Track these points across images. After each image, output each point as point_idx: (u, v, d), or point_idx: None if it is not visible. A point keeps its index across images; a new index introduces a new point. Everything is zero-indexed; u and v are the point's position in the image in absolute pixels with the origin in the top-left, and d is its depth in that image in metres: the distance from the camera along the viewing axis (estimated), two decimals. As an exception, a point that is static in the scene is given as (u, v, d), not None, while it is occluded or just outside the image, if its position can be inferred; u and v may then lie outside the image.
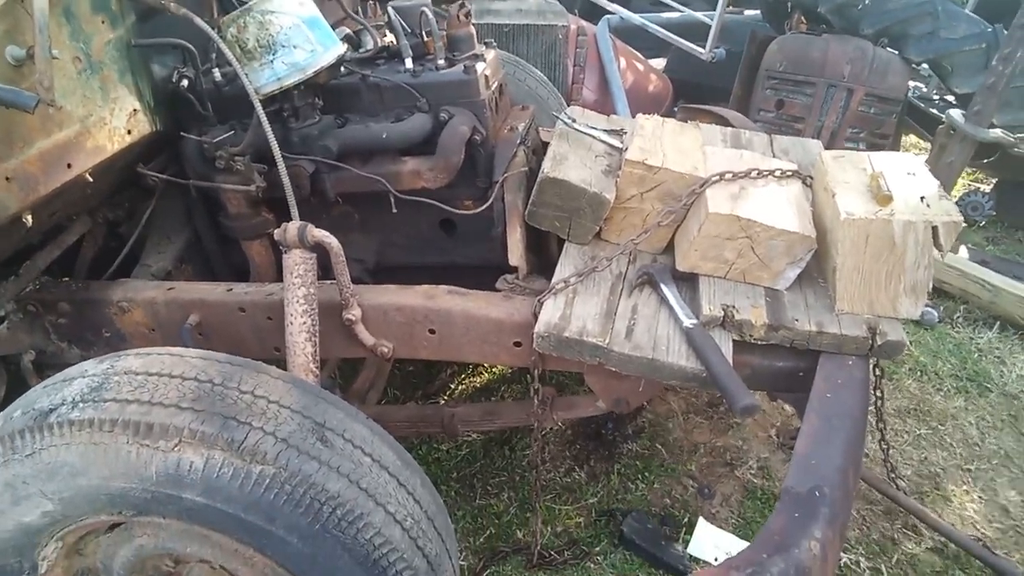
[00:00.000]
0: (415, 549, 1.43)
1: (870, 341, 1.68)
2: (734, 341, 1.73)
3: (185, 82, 1.97)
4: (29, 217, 1.61)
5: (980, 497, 2.58)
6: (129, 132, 1.85)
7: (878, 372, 1.88)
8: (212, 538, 1.41)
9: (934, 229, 1.59)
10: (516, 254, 2.02)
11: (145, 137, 1.91)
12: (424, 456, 2.68)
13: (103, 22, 1.75)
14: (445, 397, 2.99)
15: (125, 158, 1.89)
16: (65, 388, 1.37)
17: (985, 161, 4.10)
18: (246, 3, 2.07)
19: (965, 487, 2.62)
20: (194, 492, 1.29)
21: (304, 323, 1.75)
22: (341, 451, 1.39)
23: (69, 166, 1.67)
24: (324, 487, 1.32)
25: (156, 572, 1.57)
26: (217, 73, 2.04)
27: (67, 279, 2.12)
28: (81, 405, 1.32)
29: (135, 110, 1.87)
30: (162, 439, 1.28)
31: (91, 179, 1.74)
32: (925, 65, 3.93)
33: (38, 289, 2.01)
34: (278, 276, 2.17)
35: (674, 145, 1.97)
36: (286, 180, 1.81)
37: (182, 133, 1.98)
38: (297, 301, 1.74)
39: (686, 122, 2.32)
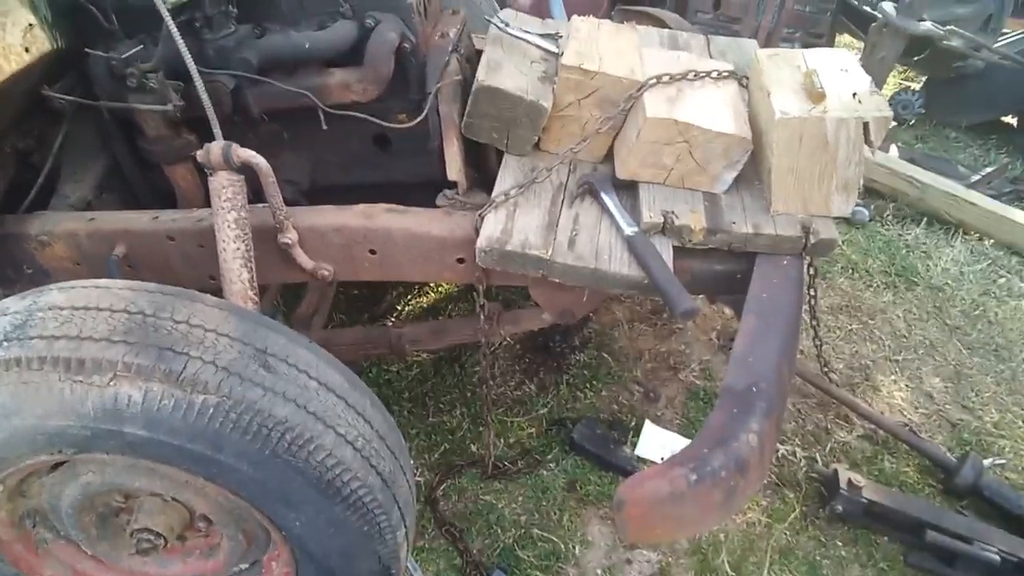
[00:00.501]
0: (368, 467, 1.44)
1: (804, 240, 1.73)
2: (674, 247, 1.75)
3: (85, -7, 1.81)
4: (-77, 146, 1.48)
5: (907, 385, 2.74)
6: (27, 50, 1.69)
7: (812, 271, 1.94)
8: (160, 471, 1.39)
9: (865, 125, 1.61)
10: (454, 168, 1.97)
11: (45, 55, 1.76)
12: (375, 378, 2.68)
13: (-16, -77, 1.58)
14: (392, 319, 2.98)
15: (26, 79, 1.74)
16: (-14, 328, 1.30)
17: (915, 59, 4.16)
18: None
19: (893, 377, 2.77)
20: (136, 426, 1.26)
21: (238, 249, 1.68)
22: (285, 376, 1.37)
23: (-39, 89, 1.53)
24: (271, 413, 1.31)
25: (106, 508, 1.56)
26: (119, -19, 1.87)
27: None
28: (5, 344, 1.26)
29: (30, 24, 1.71)
30: (96, 374, 1.24)
31: (-11, 103, 1.61)
32: (860, -39, 3.90)
33: (-53, 225, 1.89)
34: (207, 201, 2.08)
35: (611, 48, 1.93)
36: (205, 96, 1.69)
37: (87, 50, 1.83)
38: (228, 226, 1.67)
39: (623, 24, 2.27)
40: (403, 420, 2.54)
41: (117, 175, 2.19)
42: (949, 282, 3.24)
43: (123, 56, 1.78)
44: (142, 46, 1.83)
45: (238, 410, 1.29)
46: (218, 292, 1.69)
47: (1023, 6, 5.25)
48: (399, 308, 3.04)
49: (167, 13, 1.63)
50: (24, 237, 1.88)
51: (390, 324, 2.92)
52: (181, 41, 1.62)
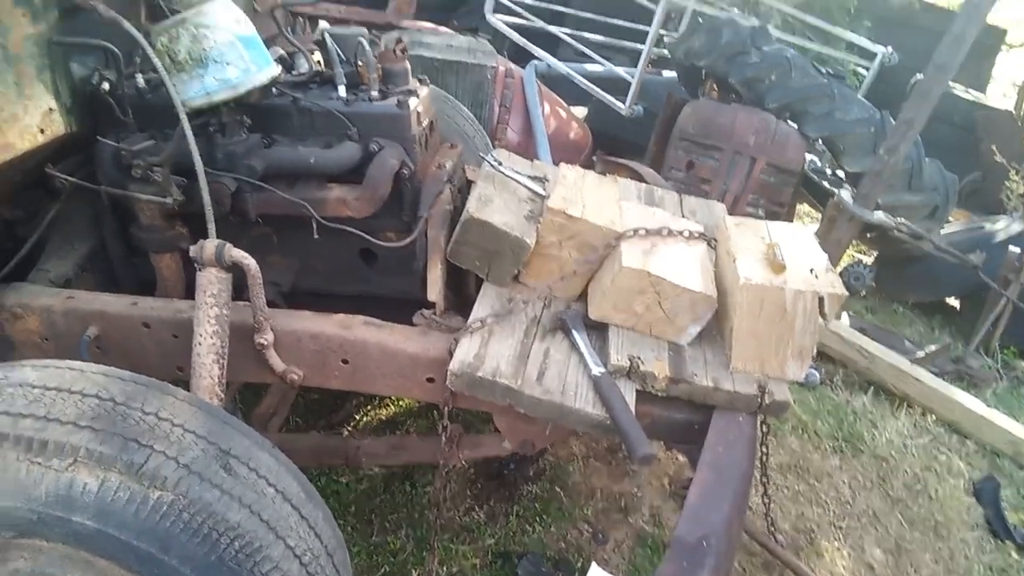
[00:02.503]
0: (313, 585, 1.40)
1: (760, 399, 1.81)
2: (637, 391, 1.81)
3: (106, 85, 1.91)
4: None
5: (849, 554, 2.76)
6: (42, 131, 1.77)
7: (765, 428, 2.01)
8: (97, 565, 1.33)
9: (820, 299, 1.74)
10: (435, 290, 2.05)
11: (59, 138, 1.83)
12: (323, 487, 2.62)
13: (24, 16, 1.69)
14: (349, 428, 2.95)
15: (35, 157, 1.81)
16: (-50, 398, 1.29)
17: (868, 236, 4.48)
18: (177, 11, 2.05)
19: (836, 543, 2.80)
20: (85, 515, 1.23)
21: (213, 344, 1.70)
22: (245, 480, 1.36)
23: (-27, 162, 1.58)
24: (224, 517, 1.29)
25: (26, 600, 1.48)
26: (140, 79, 1.99)
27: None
28: (-32, 417, 1.24)
29: (51, 109, 1.79)
30: (56, 457, 1.22)
31: (-3, 177, 1.66)
32: (820, 142, 4.27)
33: (-81, 288, 1.88)
34: (186, 292, 2.11)
35: (593, 197, 2.07)
36: (206, 196, 1.76)
37: (99, 137, 1.91)
38: (208, 321, 1.69)
39: (605, 174, 2.44)
40: (347, 536, 2.45)
41: (100, 257, 2.22)
42: (893, 453, 3.34)
43: (134, 148, 1.86)
44: (152, 140, 1.92)
45: (192, 510, 1.27)
46: (183, 384, 1.69)
47: (967, 199, 5.76)
48: (357, 418, 3.02)
49: (185, 116, 1.73)
50: (-3, 306, 1.88)
51: (347, 434, 2.89)
52: (194, 143, 1.71)
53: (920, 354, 4.02)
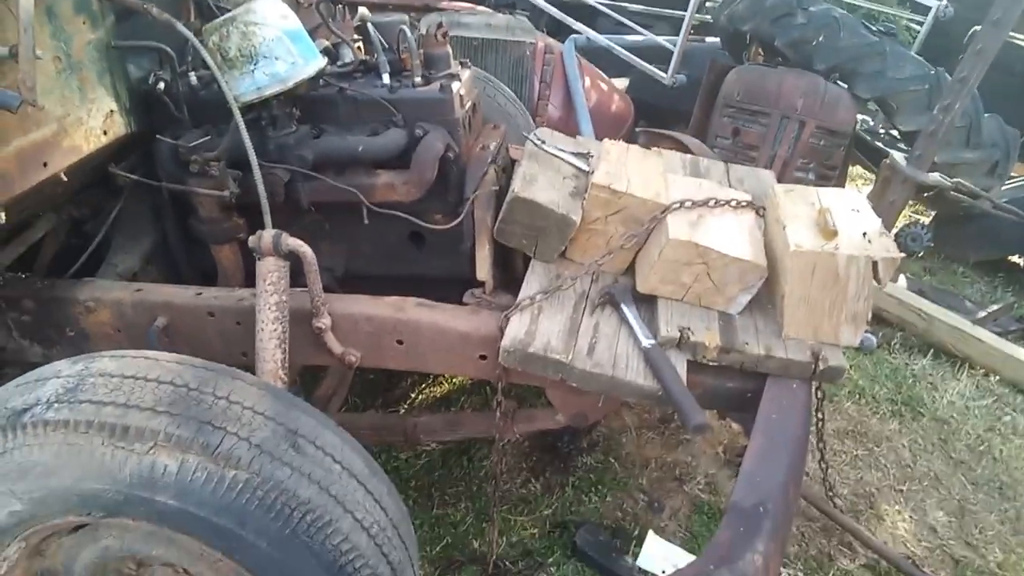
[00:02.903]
0: (380, 556, 1.47)
1: (813, 366, 1.80)
2: (688, 361, 1.82)
3: (162, 85, 1.98)
4: (3, 214, 1.60)
5: (911, 517, 2.73)
6: (105, 133, 1.85)
7: (820, 395, 2.00)
8: (179, 541, 1.42)
9: (874, 264, 1.72)
10: (484, 269, 2.08)
11: (120, 138, 1.92)
12: (383, 464, 2.69)
13: (84, 23, 1.76)
14: (405, 405, 3.03)
15: (99, 158, 1.90)
16: (39, 388, 1.38)
17: (925, 195, 4.34)
18: (225, 9, 2.10)
19: (897, 507, 2.77)
20: (167, 495, 1.31)
21: (275, 330, 1.77)
22: (312, 458, 1.43)
23: (45, 165, 1.67)
24: (295, 493, 1.36)
25: (117, 575, 1.58)
26: (193, 77, 2.06)
27: (29, 275, 2.10)
28: (56, 406, 1.33)
29: (112, 111, 1.88)
30: (137, 442, 1.30)
31: (65, 178, 1.75)
32: (872, 102, 4.14)
33: (2, 285, 1.99)
34: (245, 280, 2.19)
35: (638, 171, 2.07)
36: (261, 187, 1.83)
37: (157, 135, 1.99)
38: (269, 308, 1.77)
39: (648, 147, 2.43)
40: (409, 510, 2.53)
41: (163, 249, 2.32)
42: (954, 415, 3.27)
43: (190, 144, 1.93)
44: (207, 136, 1.99)
45: (265, 488, 1.34)
46: (248, 368, 1.77)
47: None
48: (412, 396, 3.10)
49: (238, 111, 1.79)
50: (72, 301, 1.98)
51: (404, 411, 2.98)
52: (247, 137, 1.77)
53: (981, 314, 3.90)
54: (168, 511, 1.33)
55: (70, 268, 2.14)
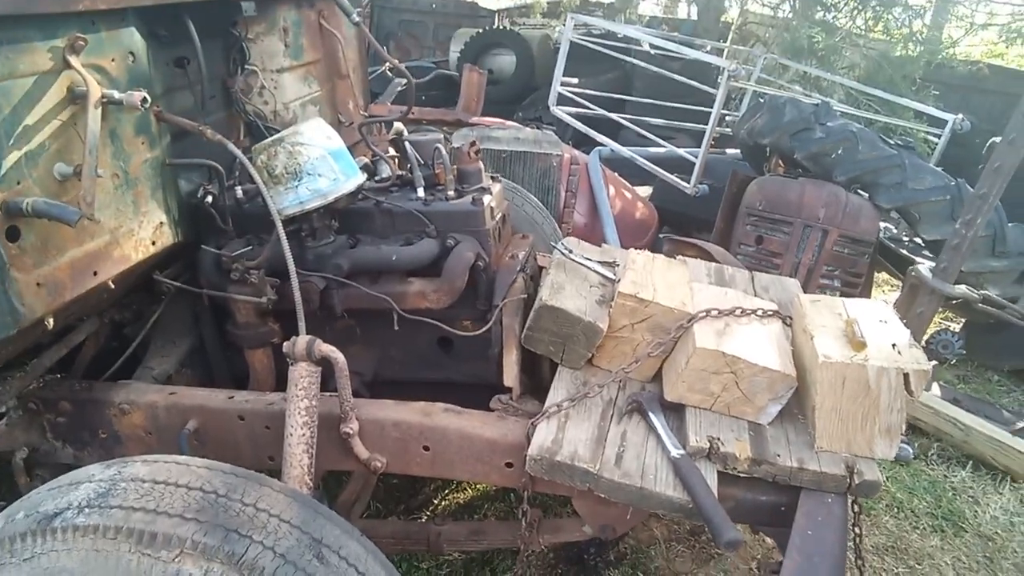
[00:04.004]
0: (402, 673, 1.42)
1: (848, 480, 1.76)
2: (719, 473, 1.79)
3: (210, 198, 2.10)
4: (51, 320, 1.67)
5: (959, 641, 2.57)
6: (154, 243, 1.95)
7: (856, 508, 1.94)
8: (199, 653, 1.40)
9: (905, 376, 1.71)
10: (511, 375, 2.10)
11: (167, 248, 2.02)
12: (405, 573, 2.64)
13: (143, 143, 1.89)
14: (428, 512, 2.98)
15: (146, 266, 1.99)
16: (72, 492, 1.40)
17: (954, 302, 4.31)
18: (273, 130, 2.25)
19: (944, 630, 2.61)
20: (189, 605, 1.30)
21: (303, 435, 1.79)
22: (336, 568, 1.41)
23: (95, 273, 1.76)
24: (318, 605, 1.34)
25: None
26: (239, 191, 2.18)
27: (65, 377, 2.16)
28: (87, 511, 1.34)
29: (162, 223, 1.98)
30: (164, 549, 1.30)
31: (112, 285, 1.83)
32: (894, 211, 4.20)
33: (41, 387, 2.05)
34: (277, 385, 2.23)
35: (664, 280, 2.11)
36: (297, 295, 1.89)
37: (202, 245, 2.09)
38: (299, 413, 1.79)
39: (673, 255, 2.48)
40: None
41: (197, 354, 2.38)
42: (999, 532, 3.12)
43: (233, 253, 2.02)
44: (250, 246, 2.08)
45: (287, 599, 1.32)
46: (273, 472, 1.77)
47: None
48: (435, 502, 3.05)
49: (280, 224, 1.89)
50: (108, 403, 2.03)
51: (426, 519, 2.92)
52: (288, 247, 1.85)
53: (1020, 424, 3.78)
54: (190, 621, 1.31)
55: (106, 370, 2.19)
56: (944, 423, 3.63)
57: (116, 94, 1.70)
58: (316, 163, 1.94)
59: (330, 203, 1.99)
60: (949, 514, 3.18)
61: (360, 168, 2.12)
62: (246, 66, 2.41)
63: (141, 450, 2.04)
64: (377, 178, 2.33)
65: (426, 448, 1.95)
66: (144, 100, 1.71)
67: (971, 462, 3.55)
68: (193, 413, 2.00)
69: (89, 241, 1.73)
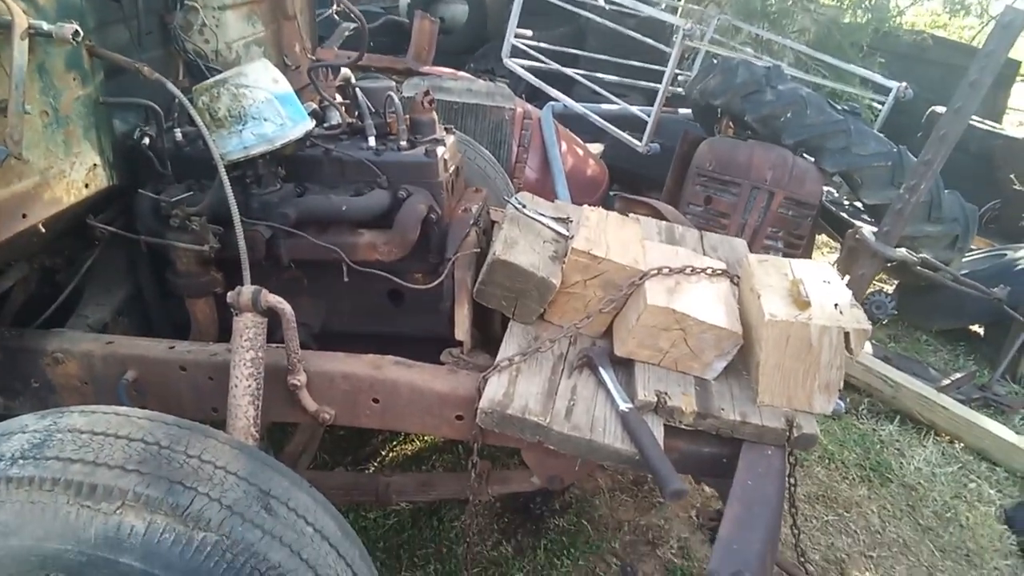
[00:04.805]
0: (350, 621, 1.43)
1: (788, 433, 1.82)
2: (665, 426, 1.83)
3: (147, 140, 2.00)
4: (-24, 264, 1.59)
5: (881, 584, 2.73)
6: (87, 186, 1.85)
7: (792, 460, 2.01)
8: (142, 605, 1.37)
9: (846, 335, 1.76)
10: (462, 329, 2.09)
11: (101, 191, 1.92)
12: (352, 523, 2.62)
13: (74, 79, 1.78)
14: (376, 464, 2.98)
15: (79, 210, 1.89)
16: (3, 443, 1.34)
17: (889, 265, 4.47)
18: (214, 70, 2.14)
19: (867, 573, 2.77)
20: (132, 557, 1.27)
21: (249, 386, 1.75)
22: (284, 520, 1.40)
23: (24, 216, 1.66)
24: (266, 556, 1.32)
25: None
26: (179, 133, 2.08)
27: (-5, 325, 2.06)
28: (21, 462, 1.29)
29: (95, 164, 1.88)
30: (105, 501, 1.27)
31: (43, 229, 1.74)
32: (838, 175, 4.31)
33: (-33, 335, 1.95)
34: (220, 335, 2.17)
35: (616, 237, 2.11)
36: (242, 244, 1.83)
37: (139, 189, 1.99)
38: (244, 364, 1.75)
39: (624, 212, 2.49)
40: (377, 572, 2.48)
41: (135, 302, 2.29)
42: (922, 482, 3.31)
43: (172, 199, 1.93)
44: (191, 191, 2.00)
45: (235, 550, 1.31)
46: (219, 424, 1.74)
47: (986, 226, 5.75)
48: (383, 453, 3.05)
49: (223, 168, 1.81)
50: (40, 352, 1.94)
51: (375, 470, 2.92)
52: (231, 194, 1.78)
53: (945, 382, 3.98)
54: (132, 573, 1.28)
55: (39, 318, 2.10)
56: (875, 379, 3.80)
57: (45, 25, 1.58)
58: (262, 107, 1.86)
59: (276, 149, 1.91)
60: (877, 465, 3.35)
61: (308, 114, 2.04)
62: (186, 1, 2.28)
63: (76, 400, 1.97)
64: (326, 125, 2.25)
65: (376, 401, 1.93)
66: (75, 33, 1.61)
67: (899, 417, 3.74)
68: (132, 363, 1.93)
69: (16, 182, 1.63)
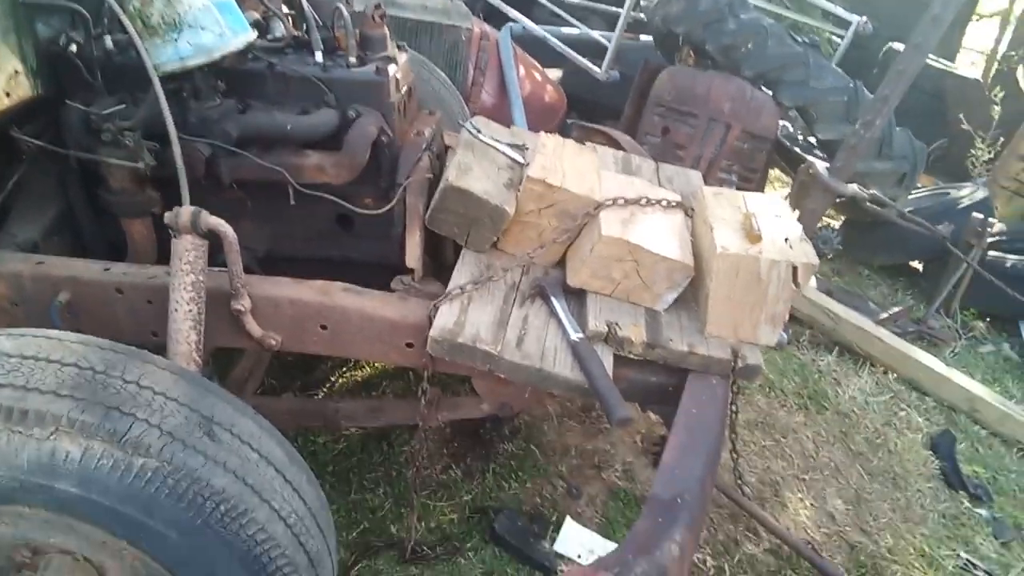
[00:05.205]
0: (297, 545, 1.44)
1: (733, 363, 1.86)
2: (614, 356, 1.85)
3: (73, 47, 1.86)
4: None
5: (812, 504, 2.88)
6: (7, 95, 1.72)
7: (735, 389, 2.07)
8: (79, 529, 1.35)
9: (794, 269, 1.79)
10: (413, 256, 2.05)
11: (24, 101, 1.79)
12: (300, 448, 2.61)
13: (-11, -25, 1.63)
14: (324, 389, 2.97)
15: (0, 120, 1.76)
16: (-74, 367, 1.28)
17: (837, 201, 4.54)
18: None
19: (800, 495, 2.91)
20: (68, 483, 1.25)
21: (190, 311, 1.70)
22: (228, 446, 1.38)
23: (-63, 125, 1.54)
24: (209, 482, 1.31)
25: (7, 563, 1.49)
26: (109, 41, 1.93)
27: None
28: (-54, 386, 1.24)
29: (16, 71, 1.74)
30: (37, 426, 1.23)
31: (-40, 140, 1.62)
32: (793, 109, 4.31)
33: None
34: (159, 257, 2.09)
35: (573, 166, 2.08)
36: (179, 162, 1.73)
37: (67, 100, 1.86)
38: (184, 288, 1.69)
39: (581, 141, 2.45)
40: (325, 495, 2.49)
41: (67, 221, 2.18)
42: (855, 410, 3.46)
43: (103, 112, 1.81)
44: (123, 104, 1.87)
45: (176, 476, 1.29)
46: (159, 349, 1.69)
47: (933, 164, 5.86)
48: (332, 379, 3.04)
49: (157, 80, 1.70)
50: (-36, 272, 1.84)
51: (324, 396, 2.91)
52: (167, 108, 1.68)
53: (883, 316, 4.13)
54: (69, 499, 1.27)
55: None
56: (817, 312, 3.91)
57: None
58: (199, 14, 1.73)
59: (215, 61, 1.79)
60: (814, 394, 3.49)
61: (251, 24, 1.92)
62: None
63: (5, 323, 1.88)
64: (270, 37, 2.11)
65: (324, 327, 1.90)
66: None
67: (837, 348, 3.87)
68: (64, 284, 1.85)
69: (-73, 87, 1.50)
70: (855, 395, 3.56)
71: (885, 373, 3.78)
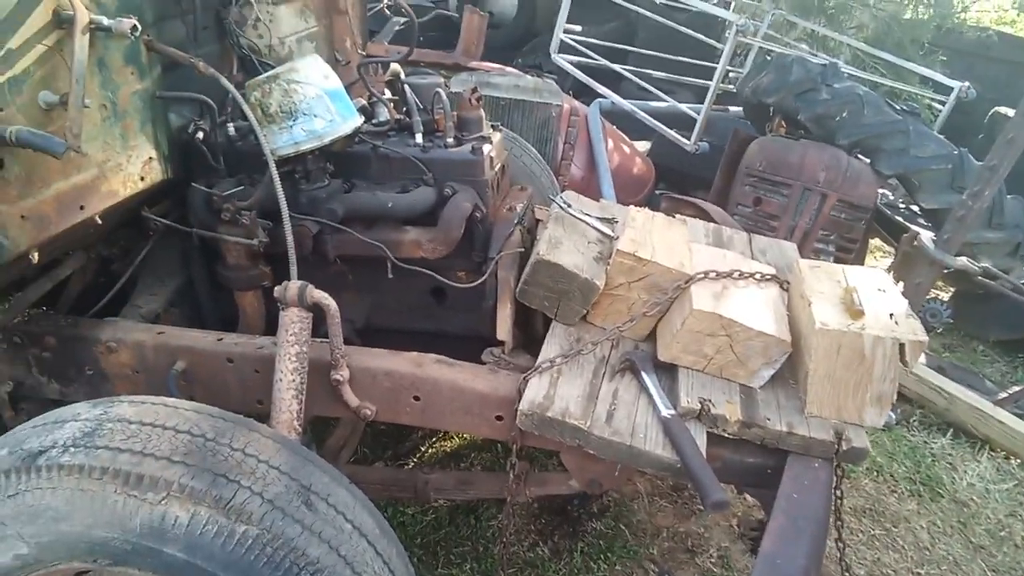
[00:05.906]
0: (386, 618, 1.44)
1: (836, 446, 1.77)
2: (708, 434, 1.80)
3: (200, 134, 2.04)
4: (36, 254, 1.63)
5: (929, 603, 2.64)
6: (142, 179, 1.90)
7: (839, 472, 1.96)
8: (184, 594, 1.40)
9: (901, 346, 1.70)
10: (504, 329, 2.08)
11: (156, 184, 1.96)
12: (390, 518, 2.64)
13: (132, 73, 1.82)
14: (415, 459, 3.00)
15: (134, 202, 1.94)
16: (56, 430, 1.38)
17: (945, 272, 4.32)
18: (268, 65, 2.17)
19: (915, 591, 2.68)
20: (175, 547, 1.30)
21: (293, 381, 1.77)
22: (324, 516, 1.41)
23: (82, 208, 1.71)
24: (305, 552, 1.34)
25: (116, 624, 1.55)
26: (232, 128, 2.11)
27: (51, 312, 2.12)
28: (72, 450, 1.33)
29: (151, 158, 1.92)
30: (151, 491, 1.30)
31: (100, 221, 1.78)
32: (894, 178, 4.17)
33: (26, 321, 2.01)
34: (267, 328, 2.21)
35: (662, 239, 2.08)
36: (290, 239, 1.85)
37: (192, 183, 2.03)
38: (289, 358, 1.77)
39: (671, 213, 2.45)
40: (414, 568, 2.49)
41: (186, 294, 2.34)
42: (975, 498, 3.19)
43: (224, 193, 1.97)
44: (241, 186, 2.03)
45: (275, 544, 1.33)
46: (263, 417, 1.76)
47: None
48: (422, 449, 3.07)
49: (273, 164, 1.83)
50: (94, 340, 2.00)
51: (414, 466, 2.94)
52: (281, 189, 1.80)
53: (1002, 395, 3.83)
54: (175, 563, 1.31)
55: (93, 307, 2.16)
56: (928, 391, 3.67)
57: (105, 20, 1.62)
58: (312, 103, 1.88)
59: (326, 145, 1.93)
60: (927, 479, 3.24)
61: (357, 110, 2.06)
62: (240, -3, 2.32)
63: (128, 388, 2.02)
64: (374, 121, 2.26)
65: (416, 398, 1.94)
66: (134, 28, 1.64)
67: (952, 430, 3.61)
68: (181, 353, 1.97)
69: (76, 174, 1.68)
70: (974, 482, 3.28)
71: (1007, 458, 3.47)
